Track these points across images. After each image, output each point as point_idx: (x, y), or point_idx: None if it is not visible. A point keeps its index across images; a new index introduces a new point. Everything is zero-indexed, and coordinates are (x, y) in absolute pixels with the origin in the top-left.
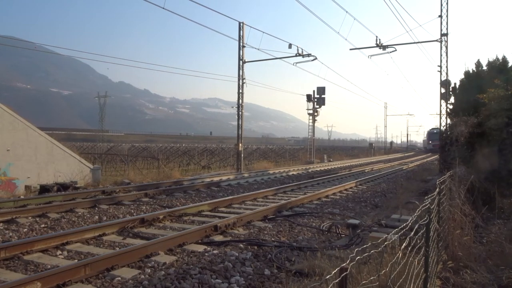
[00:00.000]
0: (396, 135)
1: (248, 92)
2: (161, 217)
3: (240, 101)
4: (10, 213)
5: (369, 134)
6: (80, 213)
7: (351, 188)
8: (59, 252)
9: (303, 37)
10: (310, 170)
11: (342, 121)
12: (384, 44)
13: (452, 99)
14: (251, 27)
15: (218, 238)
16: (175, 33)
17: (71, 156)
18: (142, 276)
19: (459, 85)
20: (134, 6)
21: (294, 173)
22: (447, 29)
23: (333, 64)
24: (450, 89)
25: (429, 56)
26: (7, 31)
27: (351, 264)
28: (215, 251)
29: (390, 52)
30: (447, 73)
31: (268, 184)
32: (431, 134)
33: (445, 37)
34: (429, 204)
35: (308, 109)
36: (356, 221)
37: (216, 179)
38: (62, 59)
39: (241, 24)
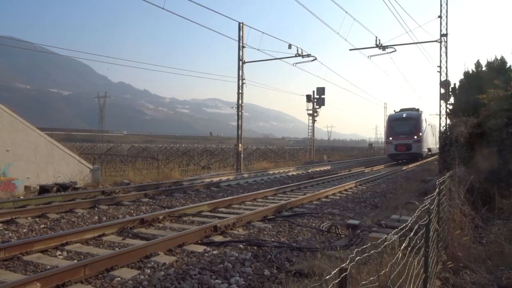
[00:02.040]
0: None
1: (248, 92)
2: (160, 217)
3: (240, 101)
4: (9, 214)
5: (368, 134)
6: (79, 214)
7: (350, 188)
8: (58, 252)
9: (303, 37)
10: (310, 171)
11: (342, 121)
12: (383, 44)
13: (451, 100)
14: (250, 27)
15: (218, 238)
16: (175, 33)
17: (70, 156)
18: (142, 277)
19: (458, 86)
20: (134, 6)
21: (294, 173)
22: (446, 29)
23: (332, 64)
24: (450, 90)
25: (428, 57)
26: (7, 31)
27: (351, 264)
28: (214, 252)
29: (390, 52)
30: (446, 74)
31: (267, 184)
32: (394, 121)
33: (445, 37)
34: (428, 205)
35: (308, 110)
36: (356, 222)
37: (215, 179)
38: (62, 59)
39: (241, 25)
